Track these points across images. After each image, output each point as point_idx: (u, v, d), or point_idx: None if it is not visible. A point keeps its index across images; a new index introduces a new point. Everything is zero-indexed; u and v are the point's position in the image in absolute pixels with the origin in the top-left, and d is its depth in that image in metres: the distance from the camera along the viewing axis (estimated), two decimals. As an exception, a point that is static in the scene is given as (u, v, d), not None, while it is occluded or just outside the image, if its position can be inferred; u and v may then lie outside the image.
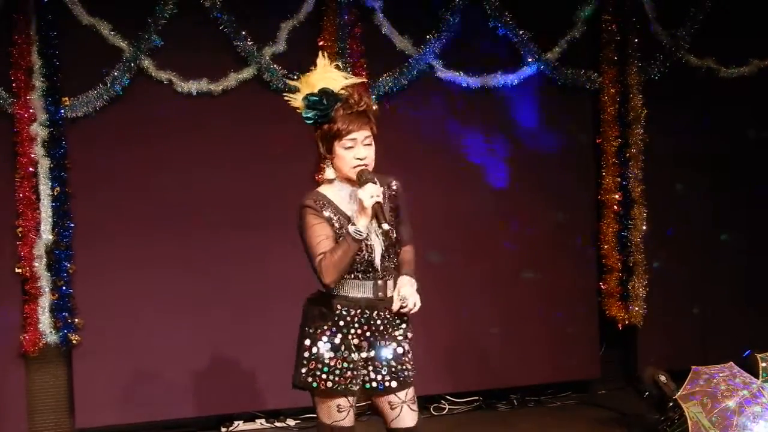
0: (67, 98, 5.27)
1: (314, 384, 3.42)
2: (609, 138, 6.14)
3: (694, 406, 4.73)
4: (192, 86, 5.43)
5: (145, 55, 5.35)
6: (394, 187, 3.58)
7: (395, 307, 3.44)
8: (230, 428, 5.66)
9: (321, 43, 5.53)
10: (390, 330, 3.51)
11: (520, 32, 5.92)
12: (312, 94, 3.40)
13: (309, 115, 3.42)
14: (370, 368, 3.48)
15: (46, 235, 5.24)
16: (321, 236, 3.37)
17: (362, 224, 3.35)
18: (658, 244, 6.24)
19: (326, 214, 3.42)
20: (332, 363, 3.41)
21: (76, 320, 5.30)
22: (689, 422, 4.70)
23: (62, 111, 5.26)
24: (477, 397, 6.04)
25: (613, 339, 6.31)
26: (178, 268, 5.48)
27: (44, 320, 5.25)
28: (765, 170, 6.46)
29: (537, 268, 6.09)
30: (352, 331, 3.44)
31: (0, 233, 5.23)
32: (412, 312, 3.46)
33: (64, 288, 5.27)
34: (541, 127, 6.06)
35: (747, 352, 5.19)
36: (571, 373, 6.18)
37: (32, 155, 5.21)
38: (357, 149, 3.40)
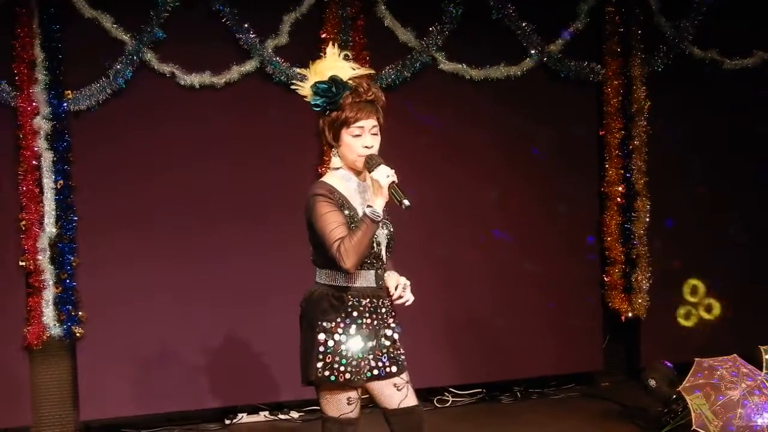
0: (69, 91, 5.27)
1: (332, 378, 3.36)
2: (612, 130, 6.13)
3: (698, 398, 4.73)
4: (194, 79, 5.42)
5: (147, 48, 5.34)
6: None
7: (404, 293, 3.46)
8: (234, 420, 5.67)
9: (323, 36, 5.53)
10: (386, 317, 3.52)
11: (523, 24, 5.91)
12: (321, 82, 3.39)
13: (317, 102, 3.41)
14: (370, 356, 3.46)
15: (50, 228, 5.24)
16: (335, 223, 3.33)
17: (379, 205, 3.32)
18: (661, 236, 6.24)
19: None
20: (349, 354, 3.37)
21: (80, 313, 5.31)
22: (692, 414, 4.71)
23: (65, 104, 5.25)
24: (480, 389, 6.05)
25: (616, 331, 6.31)
26: (181, 261, 5.48)
27: (48, 313, 5.25)
28: (768, 162, 6.46)
29: (540, 261, 6.09)
30: (364, 320, 3.42)
31: (4, 226, 5.24)
32: (407, 304, 3.49)
33: (67, 281, 5.27)
34: (544, 119, 6.05)
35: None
36: (575, 365, 6.18)
37: (35, 148, 5.21)
38: (364, 137, 3.39)
